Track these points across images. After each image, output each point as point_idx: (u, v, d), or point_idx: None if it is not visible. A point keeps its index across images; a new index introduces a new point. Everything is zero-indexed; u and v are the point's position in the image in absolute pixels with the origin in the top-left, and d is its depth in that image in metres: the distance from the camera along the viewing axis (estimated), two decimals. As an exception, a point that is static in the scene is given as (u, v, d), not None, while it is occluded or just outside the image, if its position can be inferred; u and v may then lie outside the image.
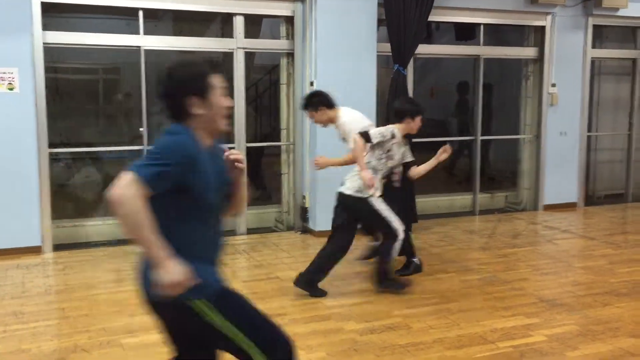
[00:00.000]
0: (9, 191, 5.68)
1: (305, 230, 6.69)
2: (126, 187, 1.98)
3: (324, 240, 6.24)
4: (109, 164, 7.77)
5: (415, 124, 4.68)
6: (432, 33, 9.38)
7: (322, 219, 6.53)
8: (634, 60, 8.51)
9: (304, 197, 6.73)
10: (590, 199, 8.41)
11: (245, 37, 6.58)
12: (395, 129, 4.61)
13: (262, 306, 4.30)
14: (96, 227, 6.41)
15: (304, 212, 6.72)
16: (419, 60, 7.82)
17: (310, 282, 4.57)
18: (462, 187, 8.39)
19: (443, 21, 7.68)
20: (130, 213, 1.97)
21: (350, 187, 4.60)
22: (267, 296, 4.59)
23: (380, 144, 4.53)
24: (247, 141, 6.74)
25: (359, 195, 4.53)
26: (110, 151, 7.49)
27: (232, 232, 6.60)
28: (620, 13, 7.87)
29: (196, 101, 2.18)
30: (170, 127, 2.21)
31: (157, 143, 2.18)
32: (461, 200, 7.89)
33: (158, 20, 7.48)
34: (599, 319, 4.17)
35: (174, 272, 2.03)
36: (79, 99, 8.93)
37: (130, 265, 5.40)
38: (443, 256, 5.63)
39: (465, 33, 8.16)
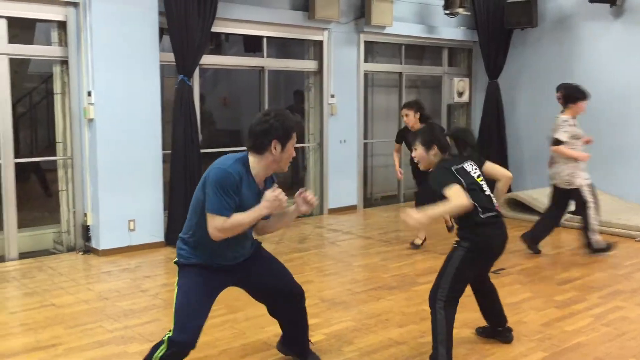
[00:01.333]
0: None
1: (88, 250, 6.27)
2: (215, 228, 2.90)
3: (108, 260, 6.00)
4: None
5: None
6: (221, 44, 9.44)
7: (107, 236, 6.20)
8: (400, 74, 9.46)
9: (85, 215, 6.31)
10: (368, 201, 9.15)
11: (13, 42, 5.98)
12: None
13: (33, 337, 4.00)
14: None
15: (85, 231, 6.30)
16: (209, 70, 7.84)
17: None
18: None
19: (227, 32, 7.78)
20: (234, 230, 2.91)
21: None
22: (40, 326, 4.21)
23: None
24: (18, 156, 6.13)
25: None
26: None
27: (0, 259, 5.95)
28: (386, 31, 8.70)
29: (276, 144, 2.92)
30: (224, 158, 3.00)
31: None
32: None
33: None
34: (372, 313, 4.53)
35: (266, 206, 2.92)
36: None
37: None
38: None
39: (253, 45, 8.36)
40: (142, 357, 3.69)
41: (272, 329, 4.15)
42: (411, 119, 6.07)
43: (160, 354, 2.99)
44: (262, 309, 4.52)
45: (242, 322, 4.31)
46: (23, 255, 6.06)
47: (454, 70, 10.15)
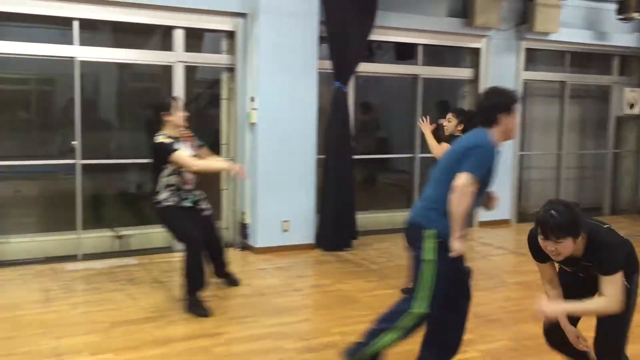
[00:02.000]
0: None
1: (245, 247, 6.61)
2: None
3: (263, 257, 6.28)
4: (39, 178, 7.45)
5: None
6: (374, 51, 9.51)
7: (263, 235, 6.49)
8: (562, 83, 8.90)
9: (243, 213, 6.66)
10: (522, 215, 8.69)
11: (186, 50, 6.49)
12: None
13: (198, 325, 4.27)
14: (22, 244, 6.13)
15: (243, 229, 6.64)
16: (360, 77, 7.93)
17: None
18: (402, 203, 8.50)
19: (383, 40, 7.81)
20: (466, 197, 3.12)
21: None
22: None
23: None
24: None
25: None
26: (40, 165, 7.20)
27: (168, 249, 6.46)
28: (550, 37, 8.23)
29: (504, 116, 3.24)
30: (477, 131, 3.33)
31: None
32: (401, 216, 7.96)
33: (95, 31, 7.28)
34: (530, 334, 4.27)
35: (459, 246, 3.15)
36: (9, 110, 8.55)
37: (58, 285, 5.18)
38: (382, 272, 5.68)
39: (405, 53, 8.33)
40: (297, 353, 3.82)
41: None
42: (451, 126, 5.38)
43: (410, 324, 3.21)
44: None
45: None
46: (187, 248, 6.52)
47: (625, 80, 9.34)
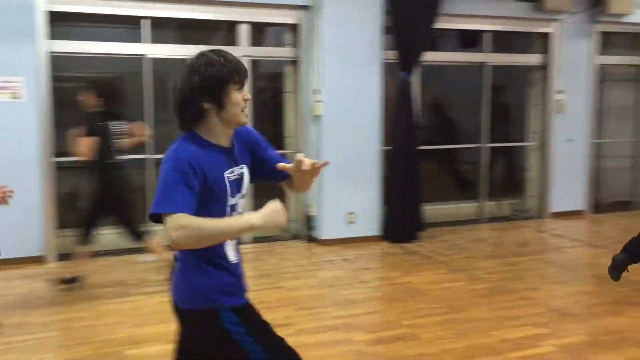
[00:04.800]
0: (13, 200, 5.64)
1: (311, 239, 6.64)
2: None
3: (329, 249, 6.29)
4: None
5: None
6: (436, 40, 9.30)
7: (328, 227, 6.51)
8: (639, 67, 8.46)
9: (309, 206, 6.69)
10: (598, 206, 8.33)
11: (251, 45, 6.57)
12: None
13: (268, 316, 4.25)
14: (101, 236, 6.37)
15: (309, 221, 6.68)
16: (424, 67, 7.80)
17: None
18: (468, 195, 8.33)
19: (449, 28, 7.64)
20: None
21: None
22: (273, 306, 4.54)
23: None
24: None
25: None
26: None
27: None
28: (626, 19, 7.83)
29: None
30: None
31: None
32: (468, 208, 7.83)
33: (163, 29, 7.46)
34: (608, 328, 4.10)
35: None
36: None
37: (134, 275, 5.37)
38: (451, 265, 5.58)
39: (469, 40, 8.11)
40: (366, 345, 3.82)
41: (497, 334, 3.99)
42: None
43: None
44: (484, 310, 4.40)
45: (463, 323, 4.19)
46: (256, 239, 6.63)
47: None
